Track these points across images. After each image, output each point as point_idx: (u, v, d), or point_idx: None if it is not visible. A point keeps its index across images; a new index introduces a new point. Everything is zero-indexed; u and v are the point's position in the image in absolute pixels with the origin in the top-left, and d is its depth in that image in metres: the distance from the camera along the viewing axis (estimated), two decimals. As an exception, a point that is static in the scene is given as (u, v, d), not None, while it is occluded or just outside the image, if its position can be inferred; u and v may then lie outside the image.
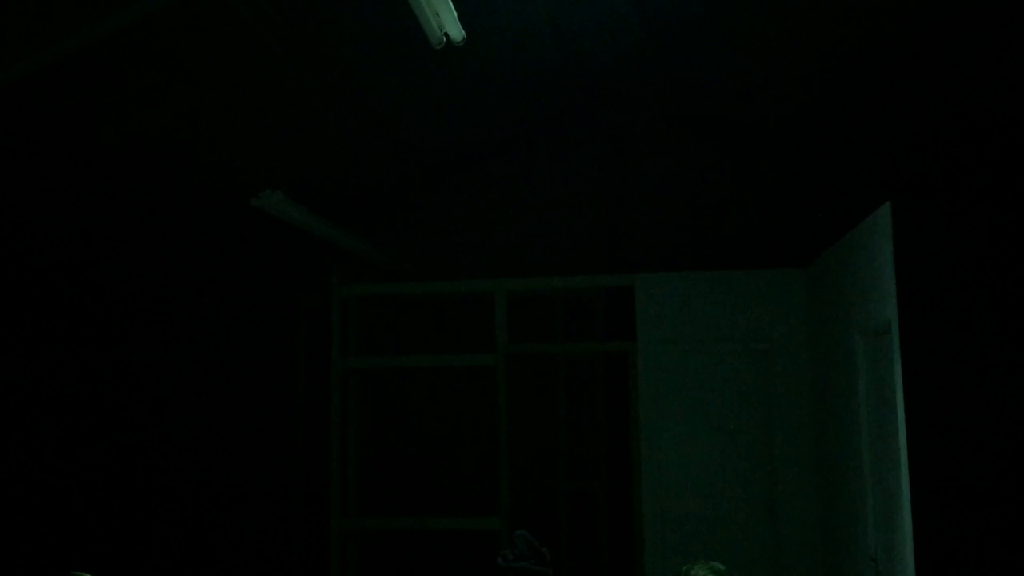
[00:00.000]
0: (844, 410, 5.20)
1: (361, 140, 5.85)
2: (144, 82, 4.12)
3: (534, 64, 5.64)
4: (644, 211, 6.81)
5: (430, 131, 6.20)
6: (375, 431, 6.87)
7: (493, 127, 6.57)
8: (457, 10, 3.69)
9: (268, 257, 6.96)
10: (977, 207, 4.11)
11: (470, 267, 6.72)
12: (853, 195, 5.27)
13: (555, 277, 6.54)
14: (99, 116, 4.24)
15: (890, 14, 4.13)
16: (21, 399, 5.83)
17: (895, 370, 4.21)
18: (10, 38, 3.40)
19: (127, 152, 4.68)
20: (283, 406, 6.90)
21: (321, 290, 6.61)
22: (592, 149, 6.84)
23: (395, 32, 4.41)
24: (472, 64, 5.09)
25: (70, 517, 6.11)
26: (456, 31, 3.76)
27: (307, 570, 6.54)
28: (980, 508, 3.98)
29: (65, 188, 4.85)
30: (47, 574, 3.10)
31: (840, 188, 6.16)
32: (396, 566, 6.80)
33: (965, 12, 3.88)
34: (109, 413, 6.66)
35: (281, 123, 5.17)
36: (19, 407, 5.82)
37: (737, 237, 6.57)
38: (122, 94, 4.12)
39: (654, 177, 6.80)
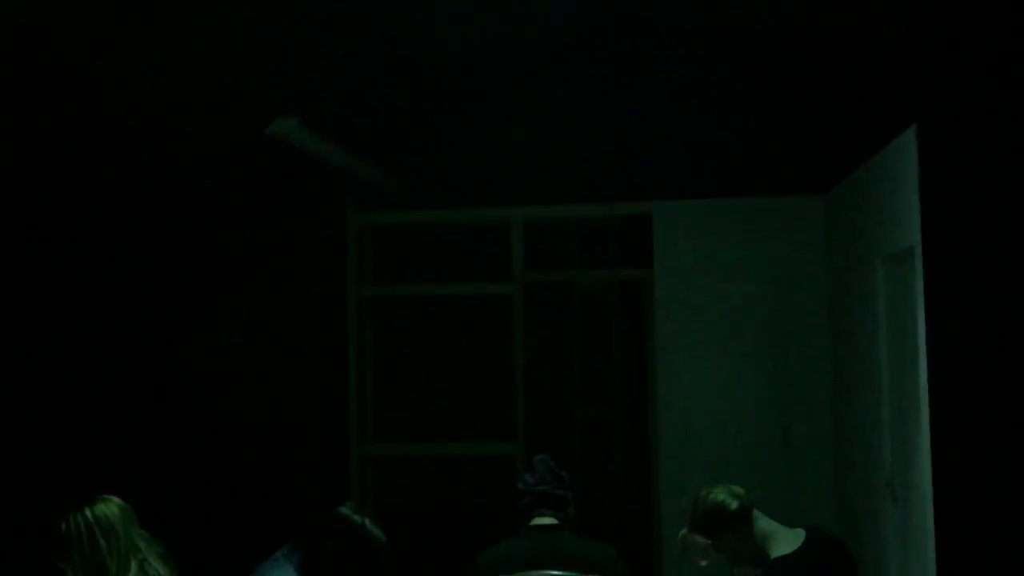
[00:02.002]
0: (862, 338, 5.18)
1: (376, 67, 5.75)
2: (147, 8, 4.03)
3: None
4: (662, 138, 6.71)
5: (446, 58, 6.09)
6: (391, 360, 6.89)
7: (510, 53, 6.45)
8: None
9: (283, 188, 6.91)
10: (1006, 130, 4.02)
11: (486, 195, 6.66)
12: (877, 118, 5.17)
13: (572, 205, 6.49)
14: (101, 44, 4.16)
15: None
16: (41, 325, 5.86)
17: (916, 297, 4.17)
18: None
19: (130, 83, 4.61)
20: (299, 336, 6.92)
21: (336, 220, 6.58)
22: (610, 75, 6.71)
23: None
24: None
25: (91, 442, 6.18)
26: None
27: (327, 495, 6.62)
28: (1000, 437, 3.97)
29: (70, 119, 4.80)
30: (74, 498, 3.13)
31: (863, 111, 6.04)
32: (415, 491, 6.89)
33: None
34: (120, 344, 6.69)
35: (294, 48, 5.07)
36: (40, 334, 5.86)
37: (756, 164, 6.48)
38: (123, 24, 4.04)
39: (672, 103, 6.69)
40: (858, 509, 5.31)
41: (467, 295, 6.65)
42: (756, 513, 3.43)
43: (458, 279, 6.66)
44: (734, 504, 3.41)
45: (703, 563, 3.65)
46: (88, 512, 3.05)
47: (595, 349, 6.93)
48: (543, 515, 3.31)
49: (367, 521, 3.17)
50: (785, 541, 3.37)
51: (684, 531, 3.57)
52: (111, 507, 3.11)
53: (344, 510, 3.20)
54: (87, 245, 6.26)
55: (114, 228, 6.49)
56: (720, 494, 3.44)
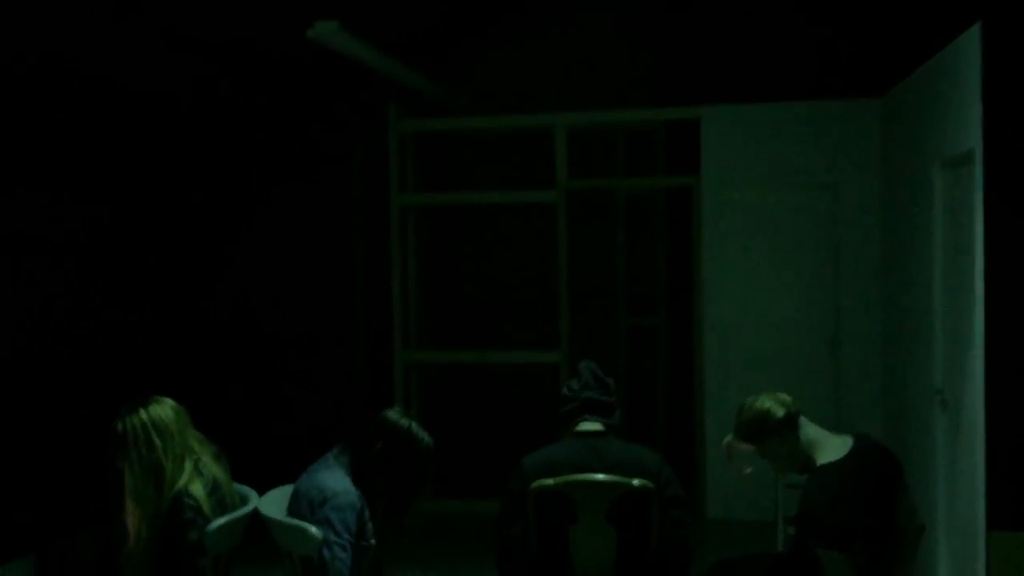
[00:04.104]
0: (916, 245, 5.07)
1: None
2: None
3: None
4: (711, 40, 6.51)
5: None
6: (435, 269, 6.90)
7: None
8: None
9: (324, 93, 6.84)
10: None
11: (530, 101, 6.54)
12: (938, 16, 4.94)
13: (617, 110, 6.36)
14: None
15: None
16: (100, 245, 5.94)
17: (975, 203, 4.05)
18: None
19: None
20: (342, 244, 6.94)
21: (378, 127, 6.51)
22: (657, -26, 6.50)
23: None
24: None
25: (144, 348, 6.32)
26: None
27: (372, 402, 6.73)
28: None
29: (109, 26, 4.75)
30: (131, 401, 3.20)
31: (924, 8, 5.78)
32: (459, 398, 6.98)
33: None
34: (169, 254, 6.77)
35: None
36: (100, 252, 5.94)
37: (810, 66, 6.28)
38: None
39: (722, 2, 6.47)
40: (906, 417, 5.28)
41: (510, 203, 6.60)
42: (802, 420, 3.40)
43: (501, 187, 6.60)
44: (780, 412, 3.37)
45: (748, 470, 3.65)
46: (144, 413, 3.12)
47: (640, 257, 6.87)
48: (589, 421, 3.32)
49: (413, 424, 3.21)
50: (832, 448, 3.34)
51: (729, 438, 3.56)
52: (166, 409, 3.17)
53: (391, 414, 3.23)
54: (132, 158, 6.29)
55: (157, 139, 6.51)
56: (766, 401, 3.41)
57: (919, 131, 5.00)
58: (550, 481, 3.14)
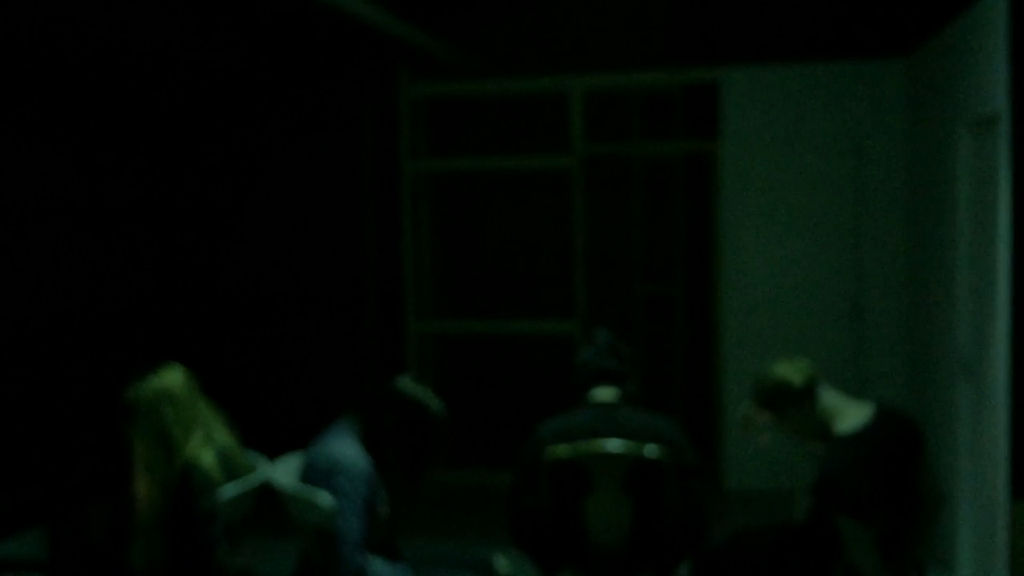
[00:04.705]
0: (941, 210, 4.96)
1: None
2: None
3: None
4: (730, 0, 6.37)
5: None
6: (448, 237, 6.84)
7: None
8: None
9: (334, 56, 6.75)
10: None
11: (544, 64, 6.43)
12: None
13: (634, 73, 6.25)
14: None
15: None
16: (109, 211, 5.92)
17: (1001, 166, 3.95)
18: None
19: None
20: (351, 212, 6.88)
21: (389, 92, 6.43)
22: (675, -68, 6.35)
23: None
24: None
25: (153, 314, 6.31)
26: None
27: (384, 372, 6.71)
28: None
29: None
30: (140, 369, 3.18)
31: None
32: (473, 368, 6.93)
33: None
34: (179, 224, 6.74)
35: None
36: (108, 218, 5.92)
37: (832, 25, 6.13)
38: None
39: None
40: (930, 386, 5.20)
41: (525, 169, 6.51)
42: (821, 388, 3.34)
43: (516, 152, 6.51)
44: (798, 380, 3.31)
45: (766, 438, 3.59)
46: (154, 382, 3.11)
47: (657, 224, 6.78)
48: (603, 389, 3.27)
49: (425, 394, 3.17)
50: (851, 416, 3.28)
51: (746, 407, 3.51)
52: (175, 378, 3.15)
53: (402, 383, 3.19)
54: (143, 122, 6.24)
55: (167, 102, 6.45)
56: (783, 369, 3.35)
57: (945, 92, 4.88)
58: (565, 450, 3.10)
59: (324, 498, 2.95)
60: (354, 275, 6.83)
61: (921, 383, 5.39)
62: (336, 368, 6.81)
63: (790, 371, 3.36)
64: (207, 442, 3.12)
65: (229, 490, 3.07)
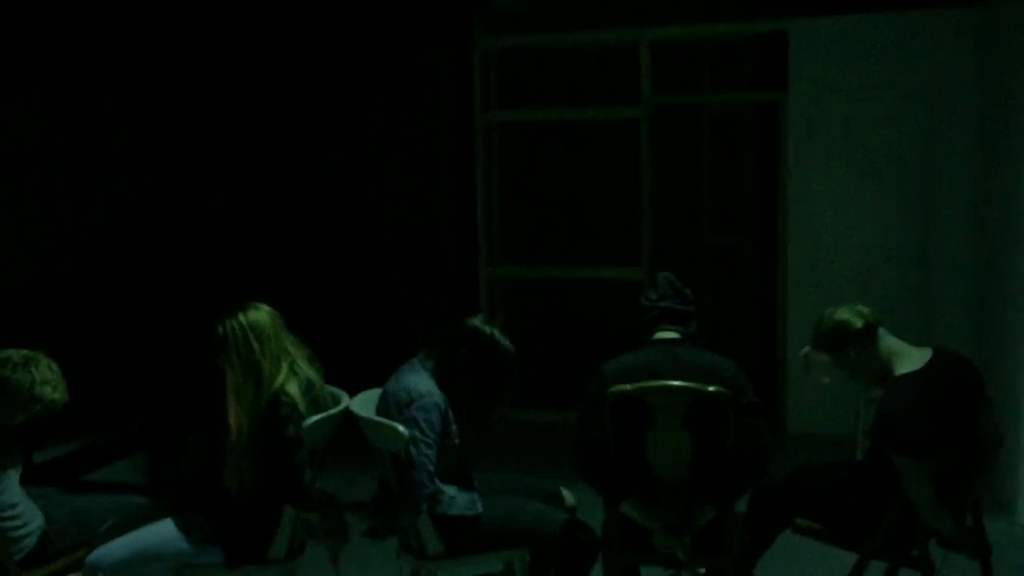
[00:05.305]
0: (1013, 159, 4.92)
1: None
2: None
3: None
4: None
5: None
6: (519, 186, 6.97)
7: None
8: None
9: (411, 10, 6.88)
10: None
11: (614, 16, 6.47)
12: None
13: (703, 24, 6.25)
14: None
15: None
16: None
17: (1073, 112, 3.92)
18: None
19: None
20: (429, 161, 7.06)
21: (463, 44, 6.54)
22: None
23: None
24: None
25: (245, 262, 6.60)
26: None
27: (457, 313, 6.91)
28: None
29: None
30: (229, 306, 3.37)
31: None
32: (542, 312, 7.09)
33: None
34: (267, 170, 6.99)
35: None
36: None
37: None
38: None
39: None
40: (995, 334, 5.20)
41: (595, 120, 6.59)
42: (882, 332, 3.40)
43: (586, 103, 6.59)
44: (858, 322, 3.38)
45: (825, 380, 3.67)
46: (242, 317, 3.29)
47: (725, 174, 6.81)
48: (666, 329, 3.38)
49: (495, 331, 3.34)
50: (911, 359, 3.34)
51: (807, 349, 3.59)
52: (262, 314, 3.33)
53: (474, 321, 3.36)
54: (233, 75, 6.47)
55: (254, 56, 6.67)
56: (845, 313, 3.42)
57: (1017, 41, 4.81)
58: (628, 386, 3.23)
59: (401, 427, 3.14)
60: (431, 221, 7.03)
61: (986, 332, 5.39)
62: (412, 309, 7.04)
63: (851, 315, 3.43)
64: (292, 374, 3.30)
65: (313, 419, 3.27)
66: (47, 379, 3.21)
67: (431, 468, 3.14)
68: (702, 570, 3.73)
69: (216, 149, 6.39)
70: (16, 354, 3.21)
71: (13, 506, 3.19)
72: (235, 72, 6.58)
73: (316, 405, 3.34)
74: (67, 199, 5.60)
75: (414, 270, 7.08)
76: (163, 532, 3.19)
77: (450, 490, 3.25)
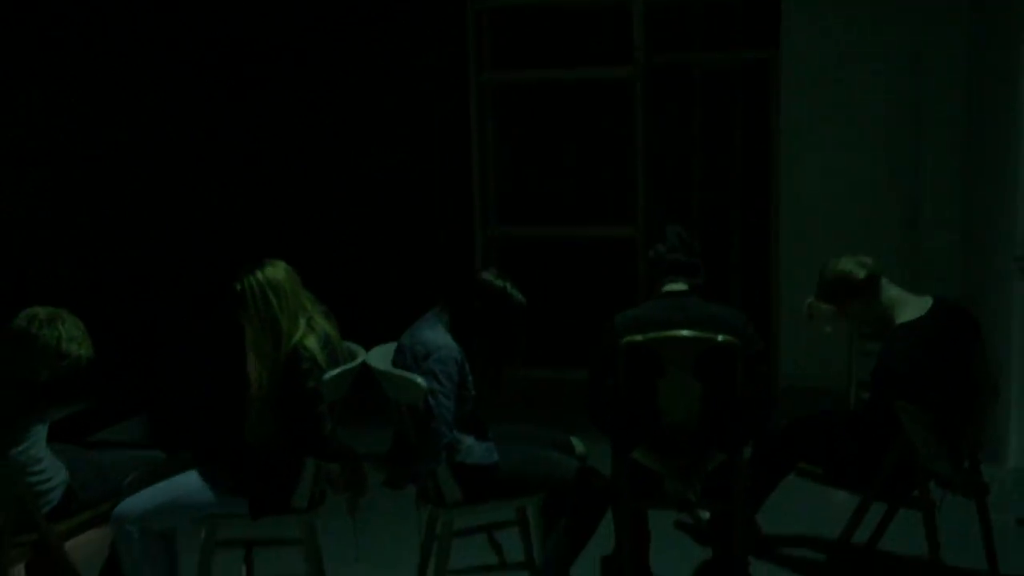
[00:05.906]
0: (1000, 117, 5.02)
1: None
2: None
3: None
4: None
5: None
6: (513, 145, 6.99)
7: None
8: None
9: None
10: None
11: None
12: None
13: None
14: None
15: None
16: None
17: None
18: None
19: None
20: (420, 121, 7.06)
21: (455, 2, 6.54)
22: None
23: None
24: None
25: (259, 221, 6.70)
26: None
27: (455, 272, 6.97)
28: None
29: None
30: (247, 262, 3.41)
31: None
32: (538, 271, 7.14)
33: None
34: (275, 137, 7.03)
35: None
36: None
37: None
38: None
39: None
40: (985, 286, 5.32)
41: (587, 79, 6.61)
42: (884, 282, 3.50)
43: (578, 63, 6.61)
44: (861, 273, 3.48)
45: (828, 330, 3.78)
46: (260, 274, 3.33)
47: (717, 133, 6.86)
48: (674, 282, 3.47)
49: (508, 285, 3.41)
50: (912, 307, 3.44)
51: (811, 299, 3.69)
52: (279, 270, 3.37)
53: (487, 275, 3.43)
54: (234, 36, 6.47)
55: (253, 19, 6.65)
56: (848, 264, 3.51)
57: (1006, 4, 4.89)
58: (639, 337, 3.31)
59: (419, 379, 3.21)
60: (426, 180, 7.06)
61: (979, 286, 5.51)
62: (412, 269, 7.08)
63: (853, 265, 3.53)
64: (310, 329, 3.35)
65: (332, 372, 3.33)
66: (73, 336, 3.25)
67: (450, 418, 3.22)
68: (706, 514, 3.86)
69: (230, 103, 6.45)
70: (43, 311, 3.25)
71: (39, 460, 3.25)
72: (246, 34, 6.62)
73: (333, 359, 3.39)
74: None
75: (414, 230, 7.12)
76: (188, 483, 3.26)
77: (467, 439, 3.33)
